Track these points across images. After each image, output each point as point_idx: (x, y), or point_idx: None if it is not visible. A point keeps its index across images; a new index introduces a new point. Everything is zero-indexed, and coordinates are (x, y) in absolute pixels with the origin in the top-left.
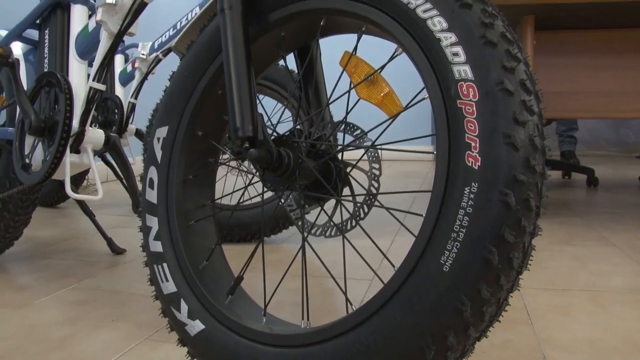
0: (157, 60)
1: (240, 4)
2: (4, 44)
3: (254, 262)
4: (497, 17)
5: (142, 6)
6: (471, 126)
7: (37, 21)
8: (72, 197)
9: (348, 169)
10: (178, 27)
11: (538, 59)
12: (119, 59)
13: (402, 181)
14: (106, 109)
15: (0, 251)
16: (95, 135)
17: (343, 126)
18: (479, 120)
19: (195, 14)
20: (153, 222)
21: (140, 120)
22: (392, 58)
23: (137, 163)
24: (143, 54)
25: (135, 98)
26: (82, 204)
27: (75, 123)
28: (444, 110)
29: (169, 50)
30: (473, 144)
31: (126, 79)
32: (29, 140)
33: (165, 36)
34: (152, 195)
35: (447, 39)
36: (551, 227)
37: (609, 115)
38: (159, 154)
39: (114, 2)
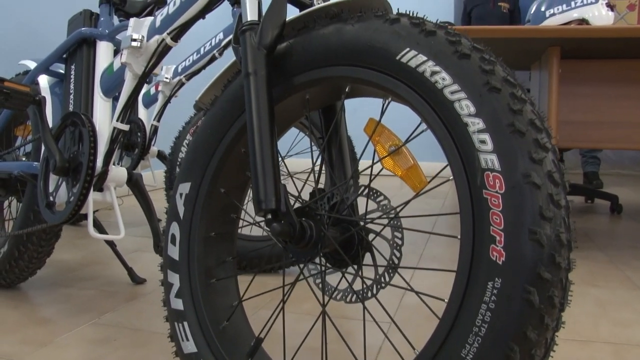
0: (181, 84)
1: (264, 68)
2: (32, 77)
3: (272, 293)
4: (525, 102)
5: (166, 49)
6: (496, 219)
7: (64, 55)
8: (94, 237)
9: (370, 237)
10: (202, 52)
11: (562, 87)
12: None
13: (422, 200)
14: (129, 131)
15: (23, 279)
16: (118, 173)
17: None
18: (505, 213)
19: (219, 40)
20: (174, 279)
21: (162, 142)
22: (415, 133)
23: (158, 183)
24: (167, 78)
25: (158, 121)
26: (102, 232)
27: (99, 163)
28: (469, 198)
29: (192, 75)
30: (498, 238)
31: (149, 101)
32: (53, 178)
33: (189, 60)
34: (174, 252)
35: (475, 124)
36: None
37: (633, 147)
38: (181, 210)
39: (138, 45)
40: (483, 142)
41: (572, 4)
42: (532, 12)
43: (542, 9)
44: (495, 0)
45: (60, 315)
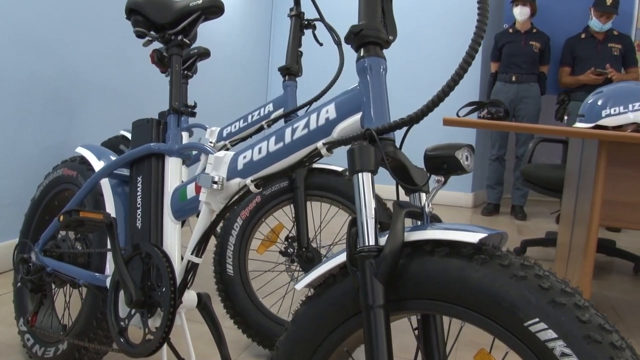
0: (225, 149)
1: (383, 298)
2: (95, 180)
3: None
4: None
5: (248, 193)
6: None
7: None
8: None
9: None
10: (249, 120)
11: (609, 169)
12: (184, 137)
13: None
14: None
15: None
16: (189, 299)
17: None
18: None
19: (269, 111)
20: None
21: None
22: None
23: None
24: (211, 142)
25: None
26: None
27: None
28: None
29: (237, 141)
30: None
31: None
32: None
33: (235, 126)
34: None
35: None
36: None
37: None
38: None
39: (219, 188)
40: None
41: (630, 107)
42: (586, 106)
43: (598, 104)
44: (527, 39)
45: None
